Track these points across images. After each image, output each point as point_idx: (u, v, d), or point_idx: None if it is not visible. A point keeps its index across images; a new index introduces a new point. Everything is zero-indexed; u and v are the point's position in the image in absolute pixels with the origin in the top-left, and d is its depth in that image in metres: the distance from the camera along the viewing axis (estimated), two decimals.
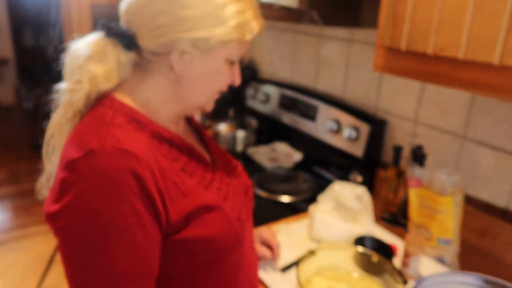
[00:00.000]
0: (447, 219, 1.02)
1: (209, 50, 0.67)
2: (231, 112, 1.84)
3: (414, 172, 1.08)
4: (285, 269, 1.01)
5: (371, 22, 1.21)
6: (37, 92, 3.69)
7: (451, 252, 1.05)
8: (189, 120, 0.87)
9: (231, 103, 1.91)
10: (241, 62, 2.05)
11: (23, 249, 2.59)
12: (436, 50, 0.84)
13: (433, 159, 1.24)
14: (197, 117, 2.05)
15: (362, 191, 1.16)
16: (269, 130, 1.89)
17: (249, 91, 1.94)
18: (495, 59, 0.74)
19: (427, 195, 1.06)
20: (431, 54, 0.85)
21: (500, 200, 1.12)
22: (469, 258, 1.10)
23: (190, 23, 0.64)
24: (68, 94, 0.67)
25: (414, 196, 1.09)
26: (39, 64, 3.83)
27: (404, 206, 1.23)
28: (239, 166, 0.91)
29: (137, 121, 0.67)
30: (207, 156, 0.83)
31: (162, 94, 0.71)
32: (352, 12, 1.17)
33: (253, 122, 1.85)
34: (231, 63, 0.72)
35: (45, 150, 0.73)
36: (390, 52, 0.95)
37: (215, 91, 0.74)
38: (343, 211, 1.14)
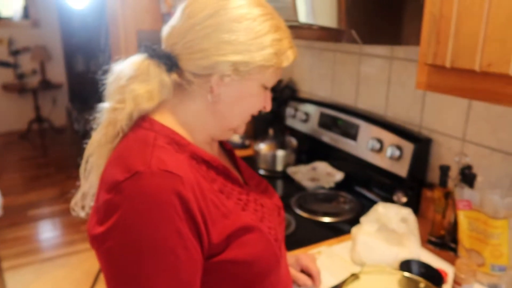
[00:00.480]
0: (502, 244, 0.96)
1: (248, 74, 0.69)
2: (270, 132, 1.85)
3: (463, 194, 1.03)
4: None
5: (413, 39, 1.18)
6: (87, 114, 3.89)
7: (507, 279, 0.98)
8: (220, 142, 0.89)
9: (271, 123, 1.91)
10: (281, 81, 2.06)
11: (72, 265, 2.69)
12: (483, 66, 0.80)
13: (484, 180, 1.17)
14: (237, 137, 2.07)
15: (407, 212, 1.11)
16: (309, 150, 1.87)
17: (289, 111, 1.94)
18: None
19: (478, 218, 1.00)
20: (478, 71, 0.81)
21: None
22: None
23: (233, 47, 0.67)
24: (111, 113, 0.70)
25: (463, 218, 1.04)
26: (89, 88, 4.05)
27: (453, 229, 1.17)
28: (270, 187, 0.92)
29: (177, 142, 0.69)
30: (240, 178, 0.84)
31: (200, 115, 0.73)
32: (393, 30, 1.16)
33: (293, 142, 1.85)
34: (265, 88, 0.74)
35: (83, 168, 0.76)
36: (434, 70, 0.92)
37: (249, 115, 0.76)
38: (387, 234, 1.10)
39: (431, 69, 0.93)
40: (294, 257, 1.00)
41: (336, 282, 1.02)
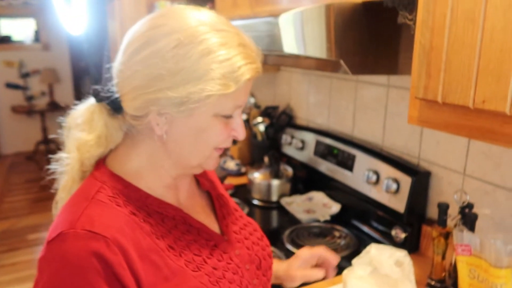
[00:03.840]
0: None
1: (189, 108, 0.60)
2: (266, 160, 1.78)
3: (463, 237, 0.94)
4: None
5: (408, 69, 1.12)
6: None
7: None
8: (198, 182, 0.82)
9: (267, 150, 1.85)
10: (277, 108, 2.00)
11: None
12: (477, 103, 0.73)
13: (486, 221, 1.08)
14: (232, 164, 2.01)
15: (403, 255, 1.02)
16: (306, 179, 1.80)
17: (285, 138, 1.88)
18: None
19: (479, 265, 0.91)
20: (472, 107, 0.74)
21: None
22: None
23: (163, 82, 0.59)
24: (64, 164, 0.67)
25: (463, 265, 0.94)
26: None
27: (454, 272, 1.08)
28: (257, 232, 0.84)
29: (124, 194, 0.64)
30: (213, 225, 0.76)
31: (153, 159, 0.67)
32: (385, 61, 1.09)
33: (289, 170, 1.78)
34: (225, 117, 0.64)
35: (54, 213, 0.72)
36: (426, 104, 0.86)
37: (208, 150, 0.66)
38: (380, 278, 1.01)
39: (422, 104, 0.87)
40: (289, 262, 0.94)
41: None
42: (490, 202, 1.10)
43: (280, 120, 1.94)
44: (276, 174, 1.73)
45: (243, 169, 2.04)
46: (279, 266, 0.93)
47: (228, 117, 0.65)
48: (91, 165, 0.68)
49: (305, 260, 0.92)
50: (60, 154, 0.68)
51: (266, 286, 0.78)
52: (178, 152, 0.66)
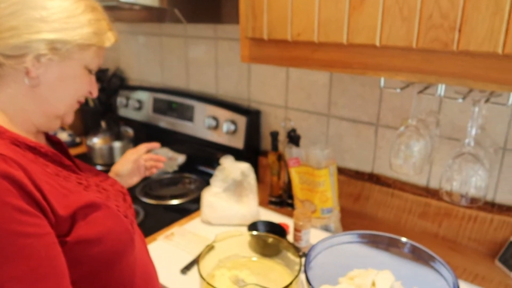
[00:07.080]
0: (326, 190, 1.13)
1: (68, 53, 0.66)
2: (103, 124, 1.73)
3: (292, 152, 1.16)
4: (185, 269, 1.00)
5: (233, 17, 1.26)
6: None
7: (334, 218, 1.16)
8: (47, 136, 0.81)
9: (102, 115, 1.79)
10: (107, 71, 1.94)
11: None
12: (294, 36, 0.91)
13: (306, 139, 1.34)
14: (65, 135, 1.89)
15: (246, 167, 1.20)
16: (147, 137, 1.82)
17: (120, 100, 1.85)
18: (344, 39, 0.84)
19: (306, 172, 1.14)
20: (290, 40, 0.92)
21: (366, 166, 1.28)
22: (349, 221, 1.22)
23: (47, 25, 0.63)
24: None
25: (295, 174, 1.17)
26: None
27: (288, 188, 1.32)
28: (110, 177, 0.88)
29: None
30: (74, 165, 0.78)
31: (19, 101, 0.67)
32: (214, 9, 1.21)
33: (129, 131, 1.77)
34: (89, 71, 0.72)
35: None
36: (254, 43, 1.00)
37: (74, 100, 0.73)
38: (230, 193, 1.19)
39: (251, 42, 1.01)
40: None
41: (192, 258, 1.04)
42: (306, 125, 1.37)
43: (112, 83, 1.89)
44: (117, 137, 1.71)
45: (78, 139, 1.93)
46: None
47: (91, 72, 0.73)
48: None
49: (126, 160, 1.09)
50: None
51: (133, 215, 0.85)
52: (47, 97, 0.68)
